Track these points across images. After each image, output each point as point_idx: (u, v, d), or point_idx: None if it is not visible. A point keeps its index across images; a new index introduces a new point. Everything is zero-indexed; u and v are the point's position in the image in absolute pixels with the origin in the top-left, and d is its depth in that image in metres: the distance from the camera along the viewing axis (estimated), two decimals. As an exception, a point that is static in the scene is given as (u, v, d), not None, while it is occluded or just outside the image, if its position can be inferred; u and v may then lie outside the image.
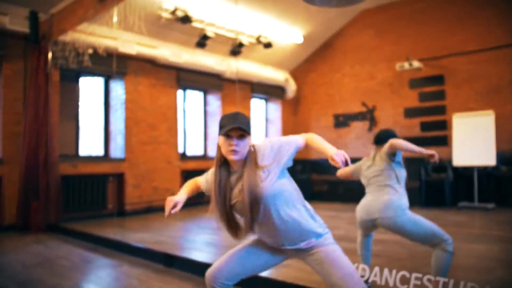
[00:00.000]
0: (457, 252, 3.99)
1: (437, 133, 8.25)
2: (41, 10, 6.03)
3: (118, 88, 7.51)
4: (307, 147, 1.83)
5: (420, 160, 7.71)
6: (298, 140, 1.80)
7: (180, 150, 8.42)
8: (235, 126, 1.64)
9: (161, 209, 7.66)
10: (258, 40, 8.56)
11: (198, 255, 4.30)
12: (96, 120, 7.55)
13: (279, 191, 1.69)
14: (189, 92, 8.88)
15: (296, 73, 10.57)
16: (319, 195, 9.03)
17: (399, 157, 2.93)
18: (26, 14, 5.93)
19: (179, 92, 8.50)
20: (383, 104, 9.05)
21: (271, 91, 10.23)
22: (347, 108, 9.67)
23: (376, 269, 2.28)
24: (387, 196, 2.82)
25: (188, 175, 8.23)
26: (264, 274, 3.43)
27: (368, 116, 9.23)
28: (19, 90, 6.19)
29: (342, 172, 3.18)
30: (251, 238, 1.88)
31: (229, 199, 1.73)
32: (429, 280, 2.01)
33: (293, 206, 1.73)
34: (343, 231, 5.40)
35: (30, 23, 5.92)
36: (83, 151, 7.28)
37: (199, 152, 8.97)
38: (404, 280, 2.14)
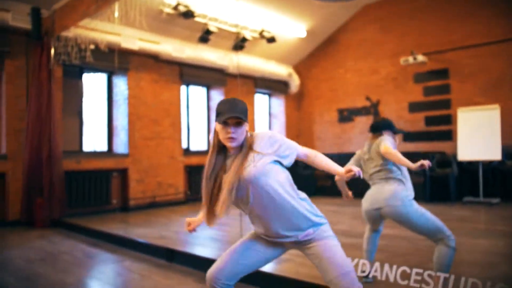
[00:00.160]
0: (461, 247, 3.97)
1: (441, 128, 8.19)
2: (43, 6, 6.03)
3: (121, 84, 7.51)
4: (309, 162, 1.84)
5: (424, 154, 7.67)
6: (299, 148, 1.83)
7: (184, 145, 8.43)
8: (233, 115, 1.65)
9: (165, 204, 7.70)
10: (261, 35, 8.53)
11: (202, 250, 4.31)
12: (100, 116, 7.57)
13: (270, 172, 1.69)
14: (192, 87, 8.87)
15: (300, 68, 10.52)
16: (322, 190, 8.99)
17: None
18: (28, 10, 5.93)
19: (182, 88, 8.49)
20: (387, 98, 9.00)
21: (275, 86, 10.19)
22: (351, 102, 9.62)
23: (377, 264, 2.26)
24: (392, 186, 2.81)
25: (191, 170, 8.24)
26: (266, 269, 3.43)
27: (372, 110, 9.18)
28: (22, 87, 6.21)
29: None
30: (248, 234, 1.86)
31: (219, 182, 1.74)
32: (429, 275, 1.99)
33: (285, 191, 1.71)
34: (346, 226, 5.38)
35: (32, 19, 5.92)
36: (87, 147, 7.31)
37: (203, 147, 8.97)
38: (405, 276, 2.12)
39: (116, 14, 5.43)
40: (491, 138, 7.00)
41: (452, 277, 2.23)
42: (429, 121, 8.39)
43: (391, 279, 2.09)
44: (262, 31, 8.49)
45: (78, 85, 7.24)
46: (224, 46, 8.56)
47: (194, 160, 8.37)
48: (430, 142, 8.34)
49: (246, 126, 1.72)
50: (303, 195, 1.81)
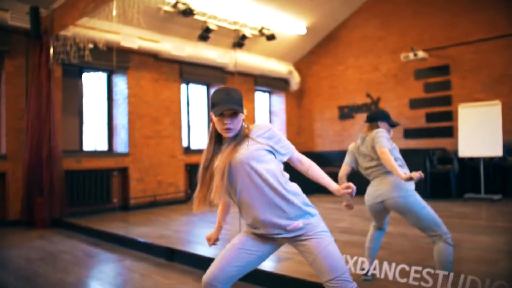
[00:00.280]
0: (462, 244, 3.96)
1: (442, 124, 8.16)
2: (42, 5, 6.01)
3: (121, 83, 7.50)
4: (302, 170, 1.85)
5: (425, 151, 7.64)
6: (296, 152, 1.84)
7: (184, 144, 8.41)
8: (228, 108, 1.67)
9: (166, 203, 7.70)
10: (261, 32, 8.50)
11: (202, 249, 4.29)
12: (100, 115, 7.56)
13: (261, 158, 1.69)
14: (192, 85, 8.85)
15: (300, 65, 10.49)
16: (323, 187, 8.95)
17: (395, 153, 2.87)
18: (27, 9, 5.91)
19: (182, 86, 8.48)
20: (388, 95, 8.97)
21: (275, 84, 10.17)
22: (351, 99, 9.59)
23: (376, 262, 2.25)
24: (392, 177, 2.79)
25: (192, 169, 8.23)
26: (267, 268, 3.43)
27: (373, 107, 9.15)
28: (22, 86, 6.20)
29: (342, 173, 3.09)
30: (237, 235, 1.84)
31: (213, 167, 1.75)
32: (428, 273, 1.97)
33: (275, 179, 1.70)
34: (346, 224, 5.37)
35: (31, 18, 5.90)
36: (87, 146, 7.31)
37: (203, 145, 8.93)
38: (404, 273, 2.11)
39: (114, 12, 5.40)
40: (492, 134, 6.97)
41: (451, 274, 2.22)
42: (430, 117, 8.36)
43: (390, 277, 2.08)
44: (262, 28, 8.47)
45: (78, 84, 7.23)
46: (224, 44, 8.53)
47: (194, 159, 8.35)
48: (431, 139, 8.31)
49: (242, 115, 1.74)
50: (294, 185, 1.80)
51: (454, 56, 8.02)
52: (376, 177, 2.91)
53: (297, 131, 10.64)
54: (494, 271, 3.11)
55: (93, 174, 6.85)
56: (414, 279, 2.04)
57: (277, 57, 9.88)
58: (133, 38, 6.99)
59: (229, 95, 1.71)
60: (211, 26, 7.70)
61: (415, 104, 8.56)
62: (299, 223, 1.71)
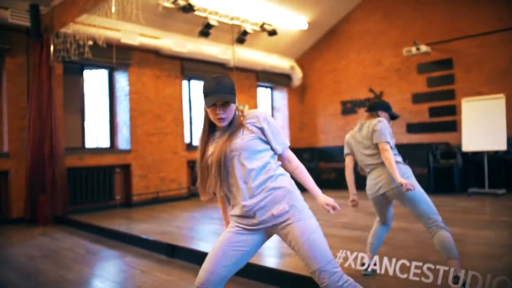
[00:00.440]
0: (466, 238, 3.93)
1: (446, 118, 8.10)
2: (42, 2, 6.00)
3: (122, 80, 7.49)
4: (290, 169, 1.83)
5: (429, 146, 7.60)
6: (288, 150, 1.84)
7: (186, 140, 8.41)
8: (220, 99, 1.66)
9: (168, 199, 7.70)
10: (262, 28, 8.46)
11: (203, 245, 4.29)
12: (101, 112, 7.56)
13: (255, 147, 1.70)
14: (194, 82, 8.83)
15: (302, 61, 10.44)
16: (326, 183, 8.95)
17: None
18: (27, 7, 5.91)
19: (184, 82, 8.46)
20: (391, 90, 8.91)
21: (277, 79, 10.12)
22: (354, 94, 9.54)
23: (376, 257, 2.23)
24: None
25: (194, 165, 8.19)
26: (269, 264, 3.42)
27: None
28: (23, 85, 6.20)
29: (349, 165, 3.07)
30: (222, 233, 1.81)
31: (209, 155, 1.76)
32: (429, 268, 1.95)
33: (265, 167, 1.71)
34: (348, 219, 5.35)
35: (31, 16, 5.90)
36: (89, 143, 7.31)
37: (205, 142, 8.93)
38: (404, 269, 2.08)
39: (113, 9, 5.38)
40: (496, 128, 6.92)
41: (452, 270, 2.20)
42: (433, 112, 8.30)
43: (390, 272, 2.06)
44: (263, 24, 8.42)
45: (79, 81, 7.23)
46: (225, 40, 8.50)
47: (197, 155, 8.32)
48: (434, 133, 8.25)
49: (234, 104, 1.73)
50: (282, 170, 1.80)
51: (457, 49, 7.94)
52: (374, 168, 2.89)
53: (300, 126, 10.60)
54: (497, 265, 3.08)
55: (95, 171, 6.86)
56: (415, 274, 2.01)
57: (279, 53, 9.84)
58: (133, 35, 6.98)
59: (220, 84, 1.69)
60: (212, 22, 7.67)
61: (418, 98, 8.50)
62: (285, 206, 1.70)
